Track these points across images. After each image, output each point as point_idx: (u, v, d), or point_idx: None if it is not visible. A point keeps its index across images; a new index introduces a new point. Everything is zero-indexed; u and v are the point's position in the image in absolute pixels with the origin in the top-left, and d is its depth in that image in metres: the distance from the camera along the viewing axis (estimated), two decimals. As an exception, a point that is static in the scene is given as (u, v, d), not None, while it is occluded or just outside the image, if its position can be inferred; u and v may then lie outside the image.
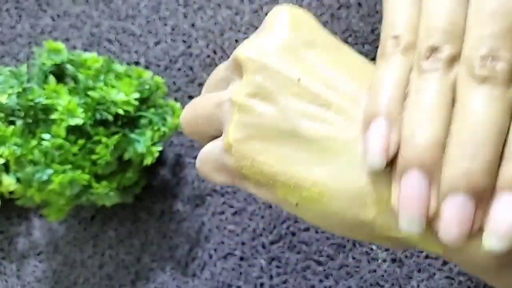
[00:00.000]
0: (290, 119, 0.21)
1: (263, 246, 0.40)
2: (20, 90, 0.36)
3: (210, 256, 0.41)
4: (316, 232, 0.39)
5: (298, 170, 0.21)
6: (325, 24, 0.42)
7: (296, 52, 0.22)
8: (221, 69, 0.25)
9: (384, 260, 0.38)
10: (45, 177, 0.35)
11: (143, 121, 0.38)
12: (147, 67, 0.44)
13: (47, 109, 0.36)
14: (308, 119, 0.21)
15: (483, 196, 0.18)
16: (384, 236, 0.21)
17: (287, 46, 0.23)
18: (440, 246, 0.19)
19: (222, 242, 0.40)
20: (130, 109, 0.36)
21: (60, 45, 0.38)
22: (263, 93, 0.22)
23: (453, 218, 0.18)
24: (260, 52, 0.22)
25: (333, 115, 0.21)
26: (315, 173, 0.21)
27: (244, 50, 0.23)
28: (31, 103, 0.36)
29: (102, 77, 0.37)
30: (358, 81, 0.22)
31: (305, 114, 0.21)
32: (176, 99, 0.43)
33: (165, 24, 0.45)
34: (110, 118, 0.36)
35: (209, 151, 0.24)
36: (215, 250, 0.41)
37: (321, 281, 0.39)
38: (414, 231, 0.19)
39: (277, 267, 0.39)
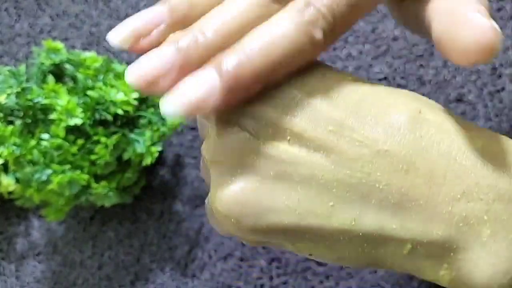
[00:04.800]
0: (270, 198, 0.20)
1: (263, 247, 0.40)
2: (19, 90, 0.36)
3: (210, 257, 0.40)
4: (317, 232, 0.39)
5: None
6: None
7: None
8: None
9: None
10: (44, 177, 0.35)
11: (142, 121, 0.37)
12: (146, 67, 0.44)
13: (46, 109, 0.35)
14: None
15: (189, 68, 0.19)
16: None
17: None
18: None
19: (222, 243, 0.40)
20: (130, 109, 0.36)
21: (59, 44, 0.38)
22: (227, 163, 0.21)
23: (149, 62, 0.19)
24: None
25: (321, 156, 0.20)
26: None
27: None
28: (30, 103, 0.35)
29: (101, 77, 0.37)
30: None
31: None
32: (175, 99, 0.43)
33: (165, 24, 0.44)
34: (109, 118, 0.36)
35: (207, 202, 0.24)
36: (215, 250, 0.40)
37: (321, 282, 0.39)
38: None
39: (277, 267, 0.39)
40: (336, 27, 0.20)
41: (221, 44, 0.19)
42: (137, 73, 0.19)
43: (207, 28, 0.19)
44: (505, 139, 0.20)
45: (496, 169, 0.19)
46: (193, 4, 0.20)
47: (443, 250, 0.19)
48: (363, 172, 0.19)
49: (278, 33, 0.19)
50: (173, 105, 0.19)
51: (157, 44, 0.20)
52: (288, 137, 0.20)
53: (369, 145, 0.19)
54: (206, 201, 0.23)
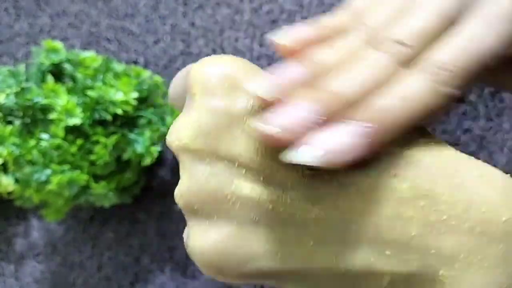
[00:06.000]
0: (243, 242, 0.20)
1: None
2: (18, 89, 0.36)
3: (210, 257, 0.40)
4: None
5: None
6: (325, 23, 0.42)
7: (232, 126, 0.20)
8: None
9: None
10: (43, 178, 0.35)
11: (142, 121, 0.37)
12: (146, 66, 0.44)
13: (46, 109, 0.35)
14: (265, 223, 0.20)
15: (329, 119, 0.19)
16: None
17: (222, 121, 0.20)
18: None
19: (222, 243, 0.40)
20: (129, 108, 0.36)
21: (59, 44, 0.38)
22: (202, 211, 0.20)
23: (291, 114, 0.18)
24: (191, 138, 0.20)
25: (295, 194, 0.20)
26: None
27: (172, 138, 0.21)
28: (29, 103, 0.35)
29: (100, 77, 0.37)
30: None
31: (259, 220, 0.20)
32: (175, 99, 0.43)
33: (164, 23, 0.44)
34: (109, 118, 0.36)
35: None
36: (214, 251, 0.40)
37: (321, 282, 0.39)
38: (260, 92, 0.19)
39: (277, 268, 0.39)
40: (465, 82, 0.20)
41: (353, 101, 0.19)
42: (278, 124, 0.18)
43: (342, 86, 0.19)
44: (482, 167, 0.20)
45: (467, 201, 0.19)
46: (325, 66, 0.20)
47: (420, 281, 0.19)
48: (337, 210, 0.19)
49: (413, 93, 0.19)
50: (314, 153, 0.18)
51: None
52: (262, 178, 0.20)
53: (344, 182, 0.19)
54: (185, 241, 0.23)
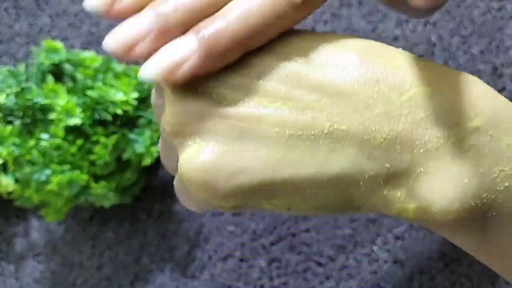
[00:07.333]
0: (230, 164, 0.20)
1: (263, 247, 0.40)
2: (19, 89, 0.36)
3: (210, 257, 0.40)
4: (317, 233, 0.39)
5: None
6: (325, 23, 0.42)
7: None
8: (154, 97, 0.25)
9: (385, 261, 0.38)
10: (43, 178, 0.35)
11: (142, 121, 0.37)
12: (146, 67, 0.44)
13: (46, 109, 0.35)
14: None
15: (167, 34, 0.20)
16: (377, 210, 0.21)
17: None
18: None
19: (222, 243, 0.40)
20: (129, 108, 0.36)
21: (59, 44, 0.38)
22: (189, 130, 0.21)
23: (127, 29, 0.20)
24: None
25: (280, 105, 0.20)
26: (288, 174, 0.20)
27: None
28: (29, 103, 0.35)
29: (100, 77, 0.37)
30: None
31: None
32: (175, 99, 0.43)
33: (165, 23, 0.44)
34: (109, 118, 0.36)
35: (176, 182, 0.24)
36: (214, 251, 0.40)
37: (321, 282, 0.38)
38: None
39: (277, 268, 0.39)
40: None
41: (199, 11, 0.20)
42: (115, 39, 0.20)
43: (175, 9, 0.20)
44: (456, 72, 0.21)
45: (450, 97, 0.20)
46: None
47: (406, 177, 0.20)
48: (323, 114, 0.20)
49: (250, 10, 0.20)
50: (149, 69, 0.19)
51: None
52: (245, 95, 0.20)
53: (326, 88, 0.20)
54: (174, 182, 0.24)
